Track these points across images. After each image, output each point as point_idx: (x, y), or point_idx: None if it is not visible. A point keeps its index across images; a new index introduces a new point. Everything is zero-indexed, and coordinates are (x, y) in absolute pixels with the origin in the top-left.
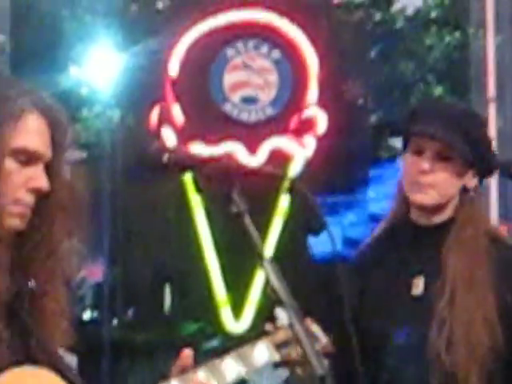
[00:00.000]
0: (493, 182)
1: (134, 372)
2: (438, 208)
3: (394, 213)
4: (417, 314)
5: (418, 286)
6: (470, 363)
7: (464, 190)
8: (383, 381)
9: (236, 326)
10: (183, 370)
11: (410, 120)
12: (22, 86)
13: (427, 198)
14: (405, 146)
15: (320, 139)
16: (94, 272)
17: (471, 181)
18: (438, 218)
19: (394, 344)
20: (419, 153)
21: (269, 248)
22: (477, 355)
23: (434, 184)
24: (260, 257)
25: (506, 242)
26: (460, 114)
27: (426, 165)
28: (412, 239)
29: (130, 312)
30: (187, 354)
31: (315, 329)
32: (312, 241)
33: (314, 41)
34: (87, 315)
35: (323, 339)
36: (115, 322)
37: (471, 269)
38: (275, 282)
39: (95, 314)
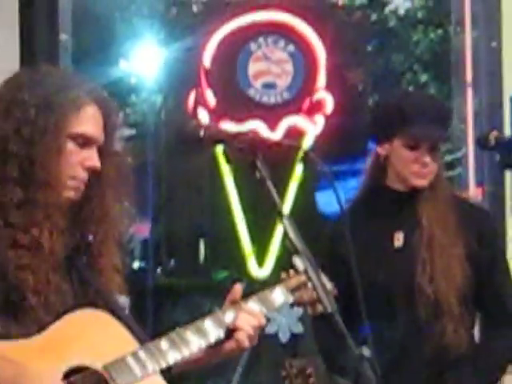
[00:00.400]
0: (470, 152)
1: (175, 311)
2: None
3: (370, 181)
4: (400, 262)
5: (399, 239)
6: (449, 290)
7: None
8: (377, 320)
9: (259, 272)
10: (233, 302)
11: (401, 121)
12: (81, 80)
13: (426, 181)
14: (388, 138)
15: (328, 118)
16: (142, 230)
17: None
18: (422, 185)
19: (383, 288)
20: (414, 147)
21: (286, 207)
22: (454, 284)
23: (432, 171)
24: (279, 214)
25: (468, 201)
26: (440, 110)
27: (427, 158)
28: (390, 201)
29: (172, 262)
30: (238, 288)
31: (324, 277)
32: (322, 201)
33: (322, 37)
34: (136, 265)
35: (329, 285)
36: (159, 270)
37: (444, 219)
38: (292, 235)
39: (143, 264)
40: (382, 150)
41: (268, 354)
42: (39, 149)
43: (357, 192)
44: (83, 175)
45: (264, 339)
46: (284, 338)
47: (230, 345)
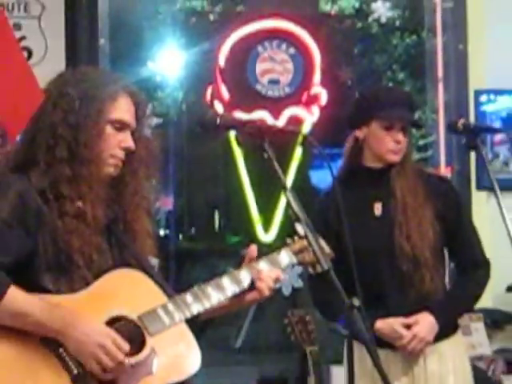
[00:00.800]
0: (441, 137)
1: (194, 271)
2: None
3: (349, 162)
4: (381, 227)
5: (378, 208)
6: (424, 246)
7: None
8: (364, 277)
9: (265, 237)
10: (251, 259)
11: (378, 106)
12: (116, 77)
13: (399, 157)
14: (366, 122)
15: (322, 108)
16: (166, 203)
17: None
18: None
19: (368, 248)
20: (389, 128)
21: (288, 182)
22: (427, 240)
23: (403, 148)
24: (284, 188)
25: (433, 174)
26: (408, 98)
27: (400, 137)
28: (367, 178)
29: (192, 230)
30: (253, 248)
31: (322, 242)
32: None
33: (317, 41)
34: (161, 233)
35: (326, 248)
36: (180, 237)
37: (414, 188)
38: (294, 205)
39: (167, 232)
40: (360, 134)
41: (273, 305)
42: (83, 133)
43: (337, 172)
44: (120, 154)
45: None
46: (287, 291)
47: (252, 294)
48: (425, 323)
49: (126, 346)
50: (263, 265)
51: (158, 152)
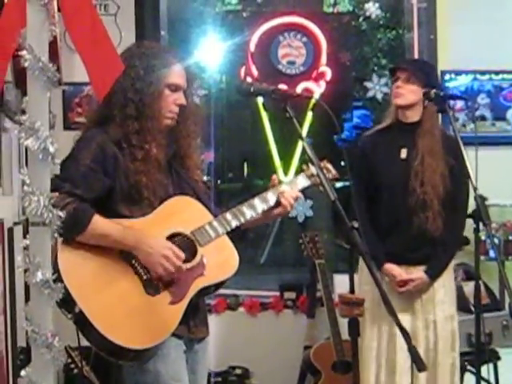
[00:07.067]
0: None
1: (231, 204)
2: (408, 107)
3: (389, 117)
4: (403, 168)
5: (404, 153)
6: (433, 194)
7: (423, 101)
8: (383, 207)
9: (285, 179)
10: (273, 185)
11: (395, 65)
12: (172, 50)
13: (400, 100)
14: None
15: (327, 83)
16: (208, 156)
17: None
18: (412, 118)
19: (390, 183)
20: (396, 80)
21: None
22: (437, 190)
23: (402, 93)
24: (301, 137)
25: (450, 135)
26: (420, 60)
27: (399, 83)
28: (398, 129)
29: (230, 175)
30: (275, 176)
31: (329, 165)
32: None
33: (323, 33)
34: (205, 178)
35: (333, 171)
36: (219, 181)
37: (432, 145)
38: (309, 151)
39: (209, 178)
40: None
41: (290, 230)
42: (147, 96)
43: (384, 122)
44: (176, 109)
45: (288, 220)
46: (301, 219)
47: (278, 210)
48: (419, 282)
49: (182, 255)
50: (285, 187)
51: (202, 115)
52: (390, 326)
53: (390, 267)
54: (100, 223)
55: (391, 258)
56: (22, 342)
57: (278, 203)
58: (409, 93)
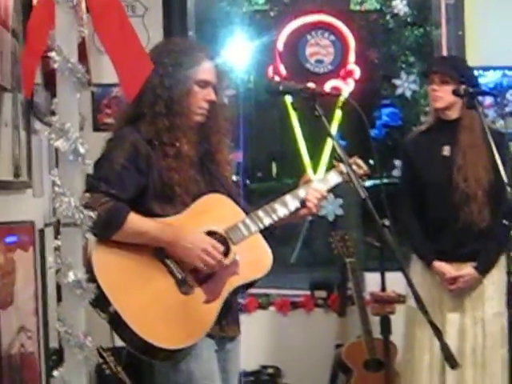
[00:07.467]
0: None
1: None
2: (446, 109)
3: (430, 117)
4: (446, 165)
5: (446, 150)
6: (477, 187)
7: (461, 98)
8: (428, 205)
9: (314, 177)
10: (305, 182)
11: (428, 68)
12: (201, 46)
13: (438, 103)
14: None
15: (356, 81)
16: (237, 156)
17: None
18: (452, 116)
19: (434, 180)
20: (431, 82)
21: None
22: (480, 183)
23: (440, 96)
24: (330, 135)
25: (494, 129)
26: (451, 57)
27: (435, 86)
28: (441, 128)
29: (259, 174)
30: (307, 175)
31: (360, 161)
32: None
33: (351, 31)
34: (234, 178)
35: (365, 167)
36: (248, 181)
37: (473, 139)
38: (339, 149)
39: (238, 178)
40: None
41: (320, 229)
42: (176, 93)
43: (426, 123)
44: (205, 106)
45: (318, 219)
46: (330, 218)
47: (303, 211)
48: (469, 278)
49: (222, 248)
50: (316, 184)
51: (231, 113)
52: (442, 325)
53: (440, 265)
54: (136, 220)
55: (440, 255)
56: (54, 343)
57: (303, 203)
58: (446, 94)
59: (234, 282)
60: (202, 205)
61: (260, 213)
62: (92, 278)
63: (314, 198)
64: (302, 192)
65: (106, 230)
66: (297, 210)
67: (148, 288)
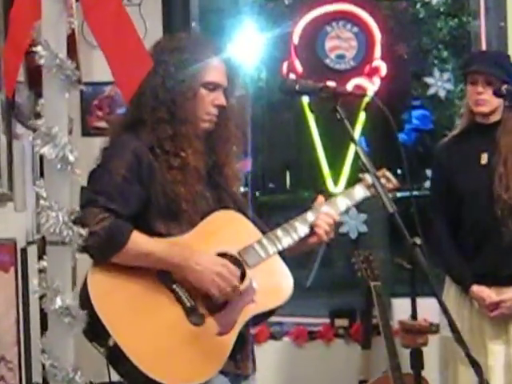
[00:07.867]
0: None
1: (270, 221)
2: (490, 113)
3: (465, 120)
4: (485, 175)
5: (484, 158)
6: None
7: (504, 99)
8: (466, 221)
9: (335, 189)
10: (319, 205)
11: (466, 64)
12: (208, 41)
13: (483, 108)
14: (465, 80)
15: (382, 79)
16: (246, 165)
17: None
18: (492, 119)
19: (471, 191)
20: (474, 83)
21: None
22: None
23: (486, 99)
24: (354, 141)
25: None
26: (495, 54)
27: (480, 89)
28: (477, 133)
29: (271, 185)
30: (321, 199)
31: (389, 174)
32: None
33: (377, 22)
34: (242, 189)
35: (394, 180)
36: (257, 193)
37: None
38: (363, 157)
39: (247, 189)
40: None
41: (341, 248)
42: (180, 96)
43: (459, 126)
44: (214, 111)
45: (339, 237)
46: (353, 235)
47: (313, 239)
48: None
49: (238, 272)
50: (341, 200)
51: (242, 117)
52: (485, 357)
53: (479, 289)
54: (140, 240)
55: (480, 278)
56: (37, 378)
57: (312, 230)
58: (492, 97)
59: (249, 311)
60: (211, 223)
61: (279, 232)
62: (88, 306)
63: (324, 224)
64: (325, 208)
65: (106, 251)
66: (305, 237)
67: (152, 317)
